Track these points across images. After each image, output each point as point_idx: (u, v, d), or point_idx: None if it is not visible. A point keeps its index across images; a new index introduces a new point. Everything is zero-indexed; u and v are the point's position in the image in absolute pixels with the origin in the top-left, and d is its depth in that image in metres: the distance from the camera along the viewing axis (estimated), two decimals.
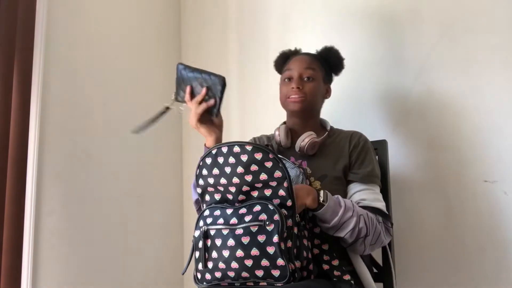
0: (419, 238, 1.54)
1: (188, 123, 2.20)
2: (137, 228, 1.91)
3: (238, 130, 2.01)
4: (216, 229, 1.06)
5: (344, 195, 1.26)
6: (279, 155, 1.07)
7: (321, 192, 1.13)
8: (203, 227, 1.08)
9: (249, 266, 1.00)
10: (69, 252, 1.64)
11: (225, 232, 1.04)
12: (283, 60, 1.44)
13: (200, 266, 1.08)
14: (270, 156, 1.05)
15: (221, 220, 1.06)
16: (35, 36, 1.62)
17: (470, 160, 1.48)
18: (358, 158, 1.29)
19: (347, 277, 1.14)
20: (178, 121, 2.21)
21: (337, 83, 1.47)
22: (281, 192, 1.06)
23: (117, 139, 1.88)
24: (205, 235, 1.07)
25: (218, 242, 1.05)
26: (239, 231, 1.03)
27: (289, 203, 1.05)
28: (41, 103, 1.59)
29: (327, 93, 1.41)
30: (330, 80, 1.43)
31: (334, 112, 1.58)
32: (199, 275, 1.09)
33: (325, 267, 1.15)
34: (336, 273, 1.14)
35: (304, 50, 1.45)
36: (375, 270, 1.39)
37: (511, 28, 1.45)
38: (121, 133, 1.90)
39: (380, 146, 1.47)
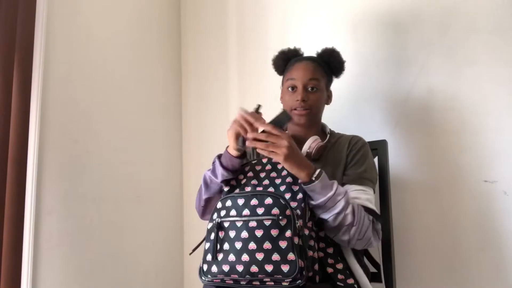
0: (419, 238, 1.54)
1: (188, 123, 2.21)
2: (137, 228, 1.91)
3: None
4: (230, 221, 1.08)
5: None
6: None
7: (317, 171, 1.13)
8: (217, 219, 1.10)
9: (260, 260, 1.01)
10: (69, 252, 1.64)
11: (238, 224, 1.07)
12: (283, 62, 1.44)
13: (209, 257, 1.08)
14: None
15: (233, 212, 1.09)
16: (35, 36, 1.61)
17: (470, 160, 1.48)
18: (353, 159, 1.29)
19: (351, 280, 1.15)
20: (178, 121, 2.21)
21: (338, 83, 1.47)
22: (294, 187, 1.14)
23: (117, 139, 1.88)
24: (219, 226, 1.09)
25: (232, 233, 1.07)
26: (253, 224, 1.05)
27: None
28: (41, 103, 1.59)
29: (329, 98, 1.42)
30: (331, 84, 1.43)
31: (334, 112, 1.58)
32: (205, 267, 1.09)
33: (329, 270, 1.14)
34: (340, 276, 1.14)
35: (304, 50, 1.45)
36: (375, 271, 1.39)
37: (511, 28, 1.45)
38: (121, 133, 1.90)
39: (380, 146, 1.47)
